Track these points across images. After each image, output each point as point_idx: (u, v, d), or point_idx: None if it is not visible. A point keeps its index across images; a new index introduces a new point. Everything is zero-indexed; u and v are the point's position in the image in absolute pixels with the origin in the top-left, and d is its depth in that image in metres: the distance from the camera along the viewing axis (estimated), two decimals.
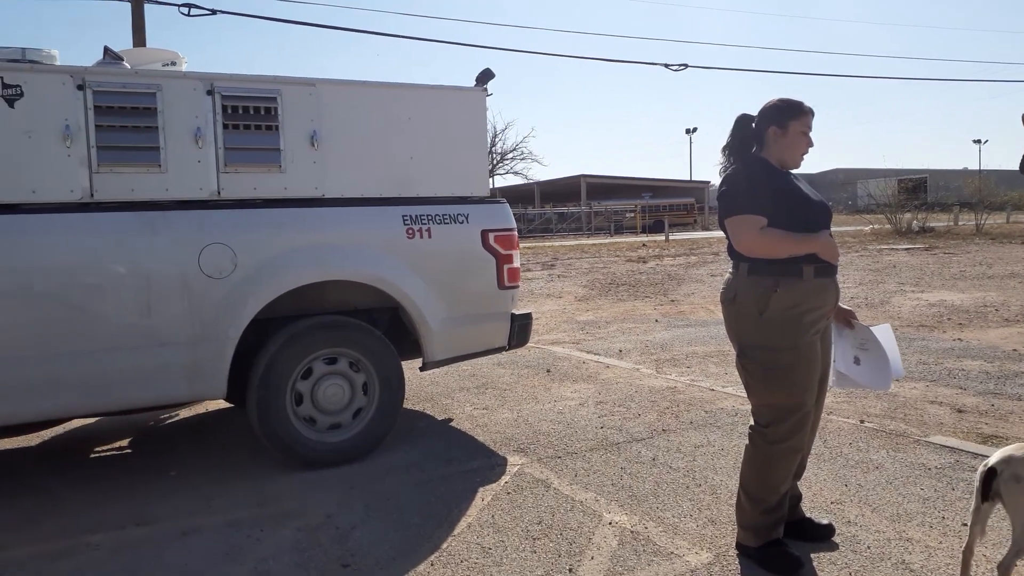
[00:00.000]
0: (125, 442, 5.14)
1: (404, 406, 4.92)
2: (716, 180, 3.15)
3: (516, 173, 58.11)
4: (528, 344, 5.43)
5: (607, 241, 34.01)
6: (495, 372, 6.80)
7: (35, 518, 3.73)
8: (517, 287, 4.93)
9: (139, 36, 13.79)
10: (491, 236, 4.74)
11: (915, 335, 7.95)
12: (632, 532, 3.34)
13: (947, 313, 9.33)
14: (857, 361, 3.15)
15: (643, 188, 57.19)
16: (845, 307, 3.18)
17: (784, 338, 2.87)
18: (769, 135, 3.01)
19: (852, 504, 3.55)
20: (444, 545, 3.28)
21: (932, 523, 3.31)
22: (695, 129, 73.04)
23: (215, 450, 4.84)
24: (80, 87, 3.87)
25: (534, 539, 3.31)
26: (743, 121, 3.08)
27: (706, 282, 14.21)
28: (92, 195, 3.93)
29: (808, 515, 3.29)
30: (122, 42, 14.90)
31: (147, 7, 13.87)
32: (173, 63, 5.18)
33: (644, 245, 27.98)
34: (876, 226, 28.78)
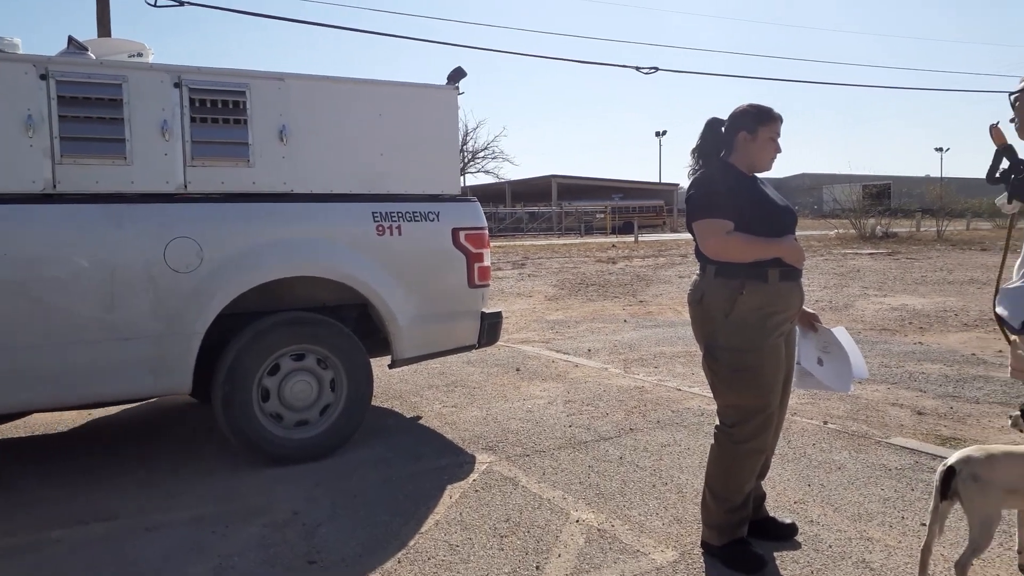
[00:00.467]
0: (87, 437, 5.05)
1: (372, 403, 4.90)
2: (685, 183, 3.18)
3: (487, 172, 58.19)
4: (498, 343, 5.43)
5: (577, 241, 34.14)
6: (464, 370, 6.80)
7: None
8: (487, 286, 4.93)
9: (104, 26, 13.56)
10: (462, 234, 4.74)
11: (877, 338, 8.09)
12: (599, 530, 3.36)
13: (909, 317, 9.51)
14: (820, 363, 3.21)
15: (613, 189, 57.49)
16: (809, 310, 3.23)
17: (749, 340, 2.91)
18: (739, 140, 3.05)
19: (815, 504, 3.61)
20: (411, 542, 3.28)
21: (892, 523, 3.38)
22: (665, 132, 73.77)
23: (180, 446, 4.78)
24: (43, 77, 3.79)
25: (502, 537, 3.32)
26: (713, 125, 3.12)
27: (674, 283, 14.33)
28: (55, 186, 3.86)
29: (772, 514, 3.33)
30: (87, 32, 14.66)
31: None
32: (139, 54, 5.10)
33: (614, 246, 28.13)
34: (841, 231, 29.24)
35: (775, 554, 3.09)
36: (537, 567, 3.03)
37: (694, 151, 3.15)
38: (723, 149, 3.10)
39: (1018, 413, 2.83)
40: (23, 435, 5.08)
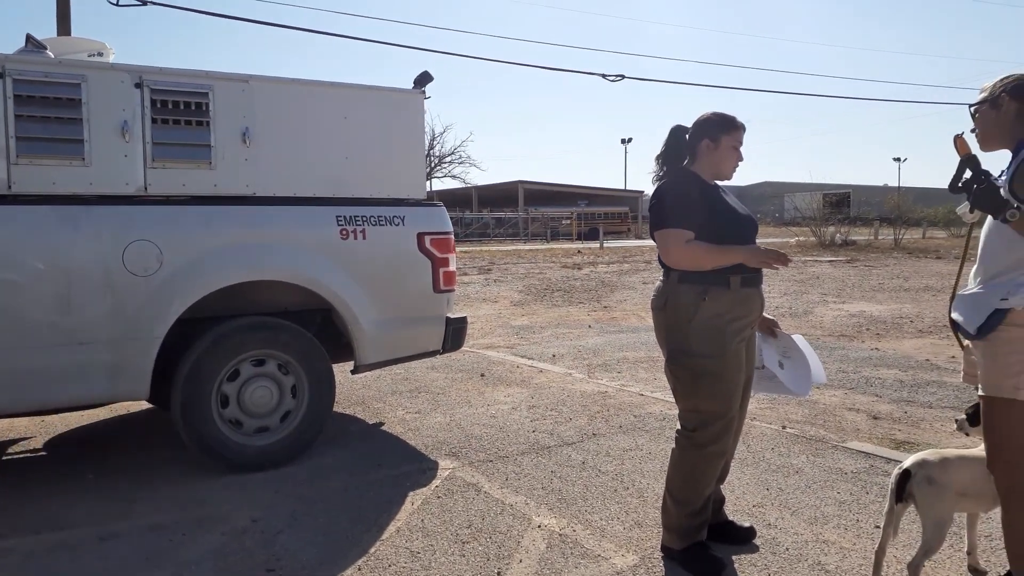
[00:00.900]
0: (40, 443, 4.93)
1: (335, 409, 4.86)
2: (650, 189, 3.22)
3: (454, 177, 58.08)
4: (463, 348, 5.43)
5: (543, 247, 34.23)
6: (429, 376, 6.78)
7: None
8: (453, 291, 4.93)
9: (64, 25, 13.29)
10: (427, 239, 4.73)
11: (835, 344, 8.24)
12: (560, 535, 3.38)
13: (866, 324, 9.70)
14: (781, 366, 3.26)
15: (579, 196, 57.79)
16: (769, 316, 3.29)
17: (711, 345, 2.95)
18: (701, 147, 3.10)
19: (773, 507, 3.67)
20: (372, 549, 3.26)
21: (847, 525, 3.44)
22: (630, 139, 74.61)
23: (136, 453, 4.69)
24: (0, 75, 3.72)
25: (463, 543, 3.31)
26: (677, 132, 3.17)
27: (638, 289, 14.44)
28: (10, 187, 3.78)
29: (731, 518, 3.37)
30: (47, 31, 14.35)
31: None
32: (100, 54, 5.03)
33: (579, 252, 28.26)
34: (801, 238, 29.74)
35: (734, 557, 3.13)
36: (499, 573, 3.03)
37: (658, 157, 3.19)
38: (687, 156, 3.15)
39: (963, 417, 2.91)
40: None
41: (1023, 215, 2.28)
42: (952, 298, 2.65)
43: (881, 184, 68.79)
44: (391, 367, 5.31)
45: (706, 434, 3.00)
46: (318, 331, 4.58)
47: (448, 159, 55.91)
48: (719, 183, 3.18)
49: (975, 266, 2.59)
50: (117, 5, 11.28)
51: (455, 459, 4.45)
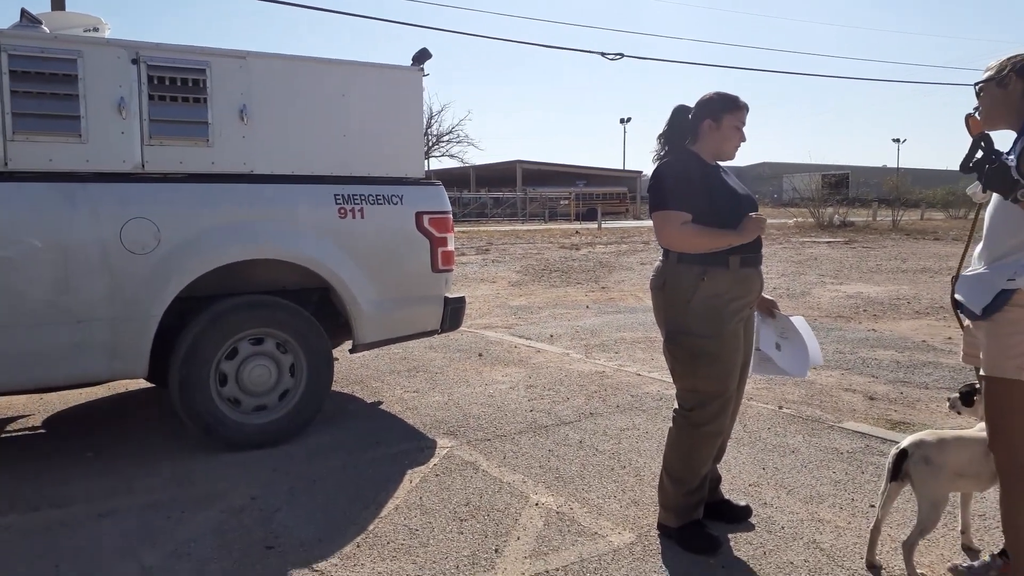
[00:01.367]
0: (38, 421, 4.94)
1: (333, 388, 4.87)
2: (649, 169, 3.20)
3: (452, 156, 57.69)
4: (461, 328, 5.43)
5: (541, 227, 34.19)
6: (427, 355, 6.79)
7: None
8: (451, 271, 4.92)
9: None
10: (425, 218, 4.72)
11: (832, 325, 8.26)
12: (558, 513, 3.40)
13: (863, 305, 9.72)
14: (778, 348, 3.27)
15: (578, 176, 57.65)
16: (768, 297, 3.29)
17: (709, 325, 2.95)
18: (703, 128, 3.08)
19: (769, 486, 3.69)
20: (370, 527, 3.28)
21: (842, 504, 3.47)
22: (629, 119, 73.96)
23: (135, 431, 4.70)
24: None
25: (461, 520, 3.34)
26: (680, 112, 3.15)
27: (636, 270, 14.45)
28: (6, 164, 3.76)
29: (727, 497, 3.40)
30: (41, 5, 14.20)
31: None
32: (96, 29, 4.97)
33: (577, 232, 28.23)
34: (800, 219, 29.71)
35: (729, 535, 3.15)
36: (496, 550, 3.05)
37: (660, 137, 3.17)
38: (688, 136, 3.13)
39: (956, 395, 2.92)
40: None
41: None
42: (955, 279, 2.64)
43: (880, 165, 68.67)
44: (389, 346, 5.31)
45: (703, 414, 3.02)
46: (316, 310, 4.58)
47: (446, 138, 55.58)
48: (720, 163, 3.16)
49: (979, 247, 2.57)
50: None
51: (453, 438, 4.47)
